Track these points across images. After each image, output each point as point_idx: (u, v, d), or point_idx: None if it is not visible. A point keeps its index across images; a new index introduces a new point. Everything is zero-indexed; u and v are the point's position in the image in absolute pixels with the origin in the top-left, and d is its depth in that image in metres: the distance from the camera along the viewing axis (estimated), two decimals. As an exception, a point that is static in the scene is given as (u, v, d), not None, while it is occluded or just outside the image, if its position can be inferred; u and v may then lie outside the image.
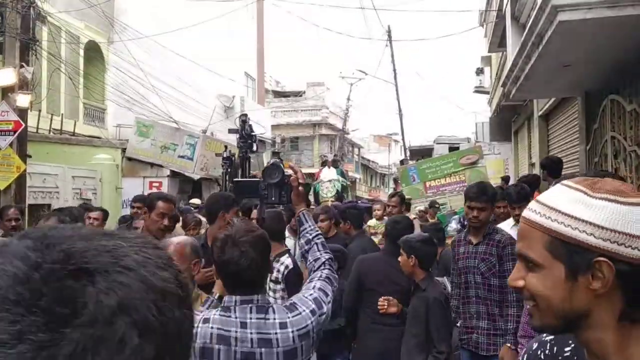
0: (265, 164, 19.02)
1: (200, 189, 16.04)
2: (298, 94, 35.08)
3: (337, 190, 16.60)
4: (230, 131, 8.28)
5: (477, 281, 4.19)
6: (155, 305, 0.59)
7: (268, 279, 4.14)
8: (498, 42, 12.20)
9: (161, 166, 15.22)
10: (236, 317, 2.16)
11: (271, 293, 4.05)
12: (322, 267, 2.53)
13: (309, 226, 2.63)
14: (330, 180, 17.04)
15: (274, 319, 2.20)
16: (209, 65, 17.95)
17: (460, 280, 4.31)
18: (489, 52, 14.93)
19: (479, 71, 20.02)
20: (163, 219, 4.00)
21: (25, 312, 0.53)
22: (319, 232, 2.68)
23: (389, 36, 23.01)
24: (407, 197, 10.67)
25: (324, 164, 18.55)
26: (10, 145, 9.01)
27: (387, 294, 4.38)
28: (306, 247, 2.61)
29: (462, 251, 4.31)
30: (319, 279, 2.48)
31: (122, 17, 15.65)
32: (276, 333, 2.18)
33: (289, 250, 4.43)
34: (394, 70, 23.42)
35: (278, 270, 4.11)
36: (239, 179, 6.41)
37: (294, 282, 3.90)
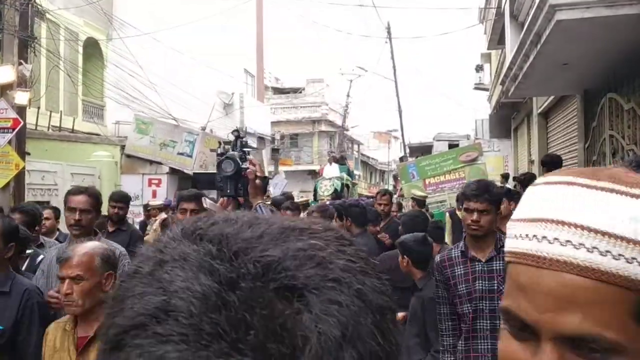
0: (264, 162, 19.04)
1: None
2: (297, 91, 35.07)
3: (336, 189, 16.56)
4: (226, 143, 8.51)
5: (492, 309, 3.19)
6: (378, 329, 0.44)
7: None
8: (497, 39, 12.20)
9: (160, 163, 15.21)
10: None
11: None
12: None
13: None
14: (330, 179, 17.00)
15: None
16: (208, 61, 17.93)
17: (464, 310, 3.32)
18: (488, 49, 14.92)
19: (479, 68, 20.02)
20: (74, 214, 3.58)
21: (231, 351, 0.39)
22: None
23: (389, 33, 23.00)
24: (420, 194, 10.49)
25: (335, 160, 18.56)
26: (9, 142, 9.00)
27: (408, 290, 4.46)
28: None
29: (463, 272, 3.35)
30: None
31: (120, 13, 15.62)
32: None
33: None
34: (394, 67, 23.43)
35: None
36: (199, 172, 6.65)
37: None
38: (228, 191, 2.71)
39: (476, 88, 20.00)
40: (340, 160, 18.45)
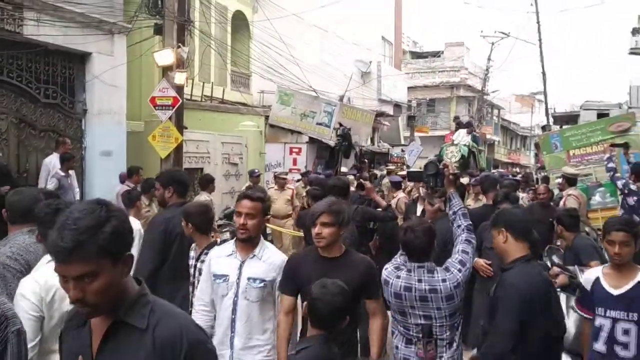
0: (399, 128, 19.27)
1: (336, 155, 16.60)
2: (436, 54, 34.30)
3: (463, 156, 16.23)
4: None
5: None
6: None
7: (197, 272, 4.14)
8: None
9: (300, 133, 15.95)
10: (415, 276, 3.42)
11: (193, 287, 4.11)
12: (461, 233, 3.67)
13: (455, 202, 3.84)
14: (457, 144, 16.68)
15: (439, 276, 3.41)
16: (346, 30, 18.19)
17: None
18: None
19: (635, 31, 18.29)
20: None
21: None
22: (462, 205, 3.85)
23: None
24: (571, 171, 10.00)
25: (458, 125, 18.15)
26: (170, 118, 10.00)
27: None
28: (452, 217, 3.80)
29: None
30: (461, 242, 3.63)
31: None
32: (440, 285, 3.37)
33: (216, 242, 4.19)
34: (539, 31, 22.13)
35: (202, 262, 3.92)
36: (411, 170, 8.50)
37: None
38: (432, 184, 4.03)
39: (632, 53, 18.36)
40: (465, 126, 17.91)
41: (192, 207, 4.27)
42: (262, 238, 3.67)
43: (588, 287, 3.73)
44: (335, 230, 3.38)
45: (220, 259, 3.61)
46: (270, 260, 3.55)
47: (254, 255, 3.54)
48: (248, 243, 3.53)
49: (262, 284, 3.48)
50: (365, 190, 6.31)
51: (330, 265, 3.39)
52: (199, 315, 3.61)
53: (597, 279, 3.68)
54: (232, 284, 3.49)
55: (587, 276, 3.82)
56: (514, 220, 3.49)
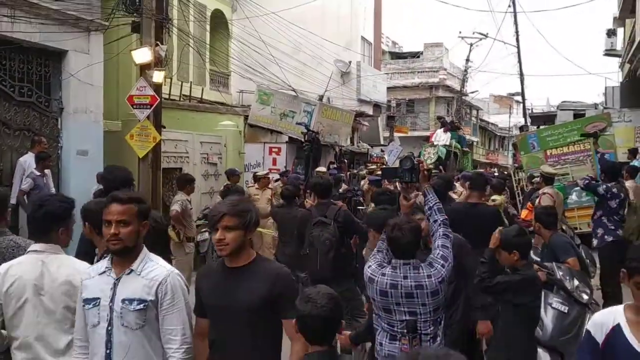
0: (379, 128, 19.27)
1: (306, 160, 16.53)
2: (415, 55, 34.49)
3: (440, 157, 16.30)
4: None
5: None
6: None
7: None
8: (630, 9, 11.37)
9: (280, 132, 15.89)
10: (400, 273, 3.47)
11: None
12: (438, 228, 3.67)
13: (430, 197, 3.81)
14: (435, 145, 16.75)
15: (424, 272, 3.45)
16: (326, 30, 18.17)
17: None
18: (619, 18, 13.88)
19: (611, 33, 18.52)
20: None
21: None
22: (437, 200, 3.80)
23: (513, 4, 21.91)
24: (549, 171, 10.08)
25: (442, 125, 18.20)
26: (147, 117, 9.88)
27: None
28: (428, 213, 3.80)
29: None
30: (439, 238, 3.64)
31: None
32: (425, 281, 3.43)
33: None
34: (517, 32, 22.40)
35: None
36: (386, 166, 8.52)
37: None
38: (407, 179, 3.96)
39: (607, 54, 18.63)
40: (447, 125, 17.93)
41: (91, 204, 3.66)
42: (144, 248, 2.92)
43: (598, 336, 2.62)
44: (240, 234, 2.87)
45: (92, 279, 2.88)
46: (151, 275, 2.82)
47: (132, 271, 2.83)
48: (124, 256, 2.83)
49: (141, 306, 2.77)
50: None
51: (233, 276, 2.91)
52: (79, 357, 2.92)
53: (618, 328, 2.57)
54: (105, 309, 2.79)
55: (600, 319, 2.68)
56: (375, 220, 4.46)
